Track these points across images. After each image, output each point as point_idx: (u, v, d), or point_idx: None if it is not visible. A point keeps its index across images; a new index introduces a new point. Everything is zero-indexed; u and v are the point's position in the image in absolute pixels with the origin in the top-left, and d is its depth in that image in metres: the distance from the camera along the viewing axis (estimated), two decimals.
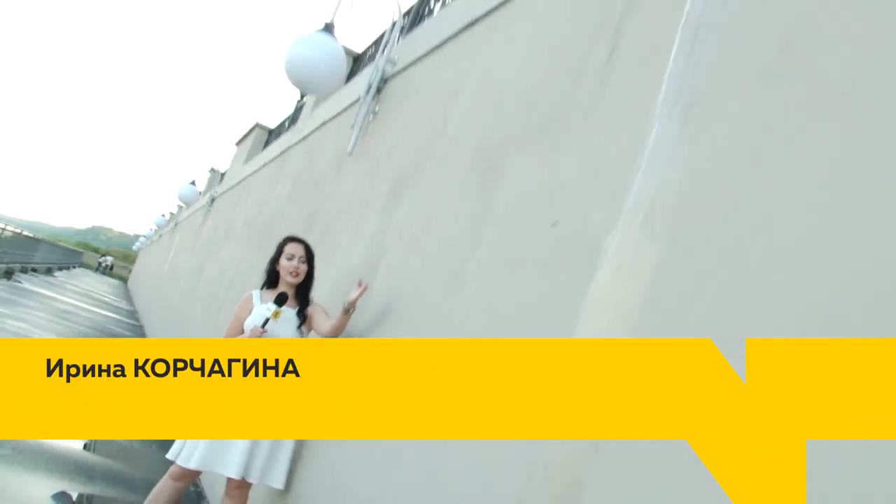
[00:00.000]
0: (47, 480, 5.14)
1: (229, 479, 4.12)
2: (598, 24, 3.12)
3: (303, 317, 4.25)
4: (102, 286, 42.66)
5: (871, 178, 1.64)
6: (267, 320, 4.07)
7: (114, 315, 23.40)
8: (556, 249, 2.68)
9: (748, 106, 2.11)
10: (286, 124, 12.31)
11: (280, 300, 4.12)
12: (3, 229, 29.03)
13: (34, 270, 32.14)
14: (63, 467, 5.54)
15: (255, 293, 4.39)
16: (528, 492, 2.22)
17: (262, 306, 4.21)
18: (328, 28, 5.80)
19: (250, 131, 16.38)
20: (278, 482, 4.11)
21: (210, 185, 22.14)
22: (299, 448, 4.28)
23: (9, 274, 24.15)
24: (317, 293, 4.49)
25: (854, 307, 1.55)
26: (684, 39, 2.50)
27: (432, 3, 6.61)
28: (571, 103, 3.02)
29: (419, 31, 5.88)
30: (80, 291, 30.22)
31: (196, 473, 4.15)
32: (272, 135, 14.14)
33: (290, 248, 4.36)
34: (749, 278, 1.84)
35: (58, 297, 23.06)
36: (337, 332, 4.10)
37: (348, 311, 3.98)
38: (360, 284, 3.93)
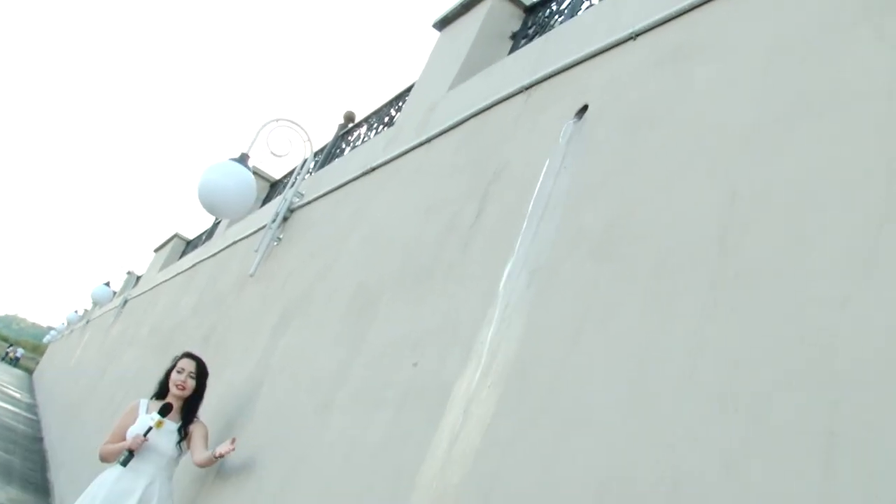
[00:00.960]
0: None
1: None
2: (471, 187, 3.32)
3: (183, 433, 4.16)
4: (6, 376, 40.33)
5: (666, 346, 1.81)
6: (149, 429, 3.99)
7: (12, 408, 22.08)
8: (413, 387, 2.77)
9: (578, 274, 2.29)
10: (203, 238, 12.26)
11: (164, 410, 4.06)
12: None
13: None
14: None
15: (143, 402, 4.30)
16: None
17: (147, 416, 4.12)
18: (242, 158, 5.92)
19: (169, 240, 16.20)
20: None
21: (125, 287, 21.59)
22: None
23: None
24: (204, 405, 4.43)
25: (637, 470, 1.68)
26: (535, 211, 2.70)
27: (343, 144, 6.85)
28: (440, 258, 3.18)
29: (328, 170, 6.07)
30: None
31: None
32: (189, 246, 14.04)
33: (182, 363, 4.31)
34: (567, 426, 1.96)
35: None
36: (205, 466, 4.02)
37: (217, 457, 3.85)
38: (232, 442, 3.78)
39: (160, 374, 4.50)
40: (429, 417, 2.56)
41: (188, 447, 4.20)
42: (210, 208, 5.70)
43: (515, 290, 2.53)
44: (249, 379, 4.62)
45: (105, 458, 4.13)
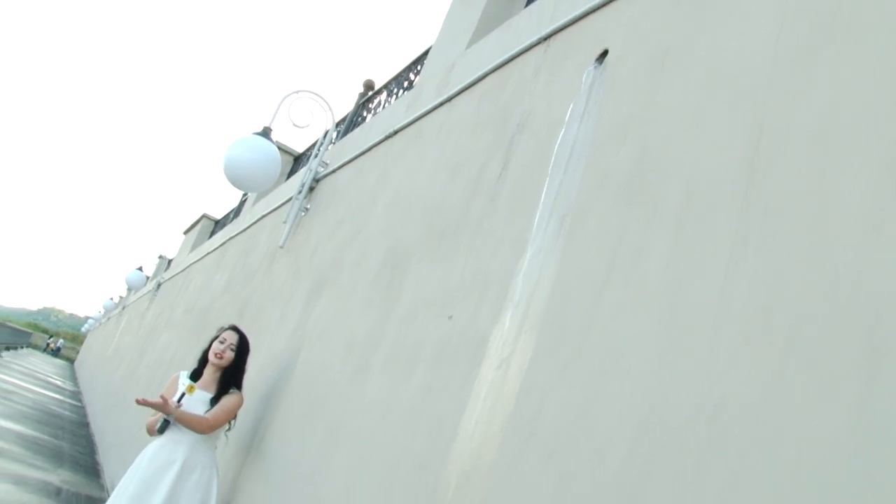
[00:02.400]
0: None
1: None
2: (495, 141, 3.32)
3: (214, 403, 4.21)
4: (49, 367, 41.26)
5: (698, 280, 1.80)
6: (182, 395, 4.07)
7: (57, 395, 22.63)
8: (449, 342, 2.79)
9: (607, 217, 2.28)
10: (231, 216, 12.36)
11: (193, 375, 4.15)
12: None
13: None
14: None
15: (183, 374, 4.38)
16: None
17: (181, 384, 4.20)
18: (265, 132, 5.95)
19: (197, 221, 16.36)
20: None
21: (158, 272, 21.87)
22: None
23: None
24: (245, 377, 4.49)
25: (658, 423, 1.69)
26: (560, 159, 2.70)
27: (365, 112, 6.85)
28: (468, 214, 3.18)
29: (350, 137, 6.07)
30: (26, 372, 29.17)
31: None
32: (217, 225, 14.16)
33: (225, 335, 4.39)
34: (604, 365, 1.97)
35: (1, 377, 22.24)
36: (206, 425, 4.08)
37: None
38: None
39: (198, 353, 4.57)
40: (466, 369, 2.58)
41: None
42: (236, 182, 5.75)
43: (545, 238, 2.53)
44: (286, 348, 4.68)
45: (150, 430, 4.23)
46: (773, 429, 1.46)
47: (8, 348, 43.77)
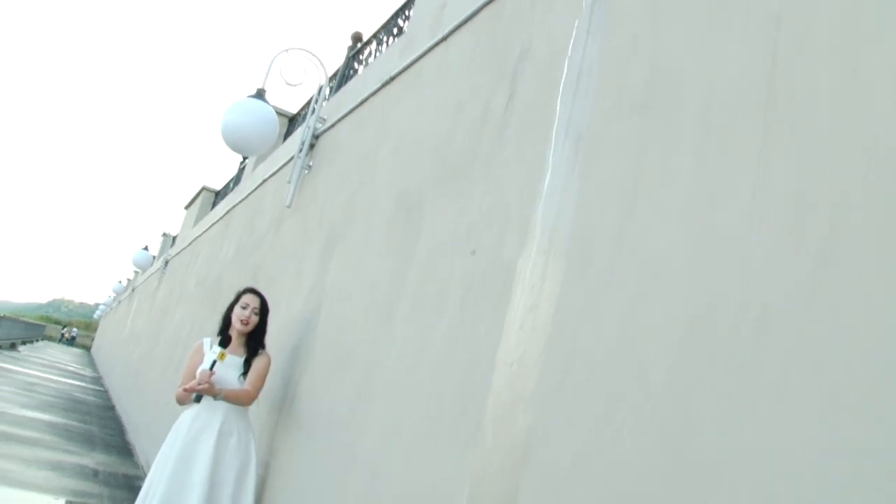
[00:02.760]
0: None
1: None
2: (497, 73, 3.26)
3: (248, 366, 4.26)
4: (66, 356, 41.56)
5: (727, 190, 1.77)
6: (214, 363, 4.08)
7: (79, 383, 22.84)
8: (475, 277, 2.77)
9: (625, 134, 2.24)
10: (231, 185, 12.29)
11: (223, 342, 4.15)
12: None
13: None
14: None
15: (206, 340, 4.39)
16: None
17: (210, 352, 4.21)
18: (259, 93, 5.89)
19: (198, 195, 16.29)
20: None
21: (163, 250, 21.87)
22: (262, 489, 4.28)
23: None
24: (266, 339, 4.50)
25: (705, 327, 1.67)
26: (569, 82, 2.64)
27: (356, 64, 6.74)
28: (478, 148, 3.13)
29: (344, 92, 5.99)
30: (45, 363, 29.39)
31: None
32: (218, 196, 14.09)
33: (246, 299, 4.38)
34: (639, 282, 1.95)
35: (23, 370, 22.40)
36: (250, 396, 4.17)
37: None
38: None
39: (215, 323, 4.57)
40: (496, 303, 2.57)
41: None
42: (235, 147, 5.71)
43: (562, 163, 2.49)
44: (305, 307, 4.67)
45: (180, 400, 4.24)
46: (819, 329, 1.44)
47: (24, 342, 44.08)
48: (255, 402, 4.32)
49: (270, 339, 4.51)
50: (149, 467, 9.12)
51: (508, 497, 2.10)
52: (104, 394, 20.55)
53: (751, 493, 1.45)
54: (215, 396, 4.03)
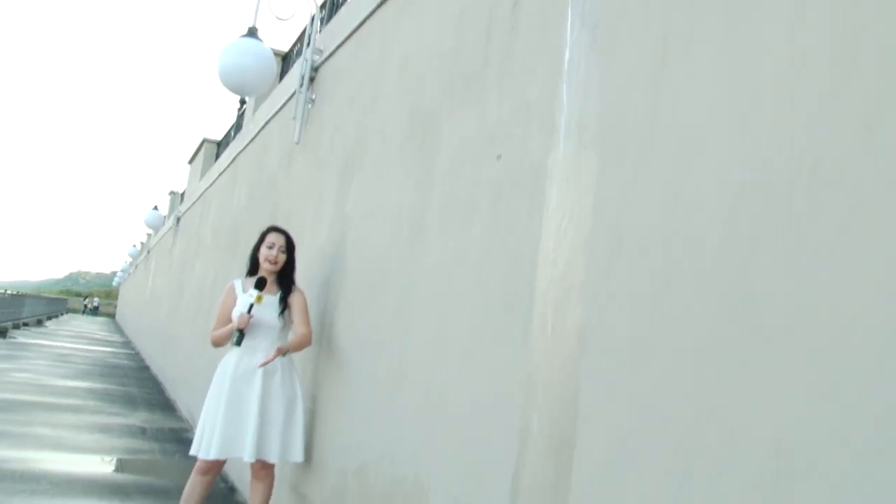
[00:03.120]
0: None
1: (252, 463, 4.18)
2: None
3: (284, 304, 4.29)
4: (92, 326, 42.14)
5: (761, 51, 1.72)
6: (251, 306, 4.11)
7: (109, 349, 23.20)
8: (504, 181, 2.74)
9: (647, 13, 2.17)
10: (232, 133, 12.19)
11: (259, 284, 4.16)
12: None
13: (25, 325, 31.61)
14: (99, 491, 5.55)
15: (237, 282, 4.40)
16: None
17: (245, 295, 4.23)
18: (252, 32, 5.78)
19: (199, 147, 16.19)
20: (297, 456, 4.18)
21: (172, 207, 21.89)
22: (311, 421, 4.35)
23: (3, 332, 23.91)
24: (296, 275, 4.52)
25: (755, 193, 1.63)
26: None
27: None
28: (490, 52, 3.06)
29: (337, 19, 5.86)
30: (73, 334, 29.85)
31: (219, 464, 4.19)
32: (221, 146, 14.00)
33: (271, 238, 4.37)
34: (679, 157, 1.91)
35: (53, 343, 22.78)
36: (296, 348, 4.24)
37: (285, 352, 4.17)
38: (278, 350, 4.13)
39: (237, 270, 4.58)
40: (529, 204, 2.54)
41: (290, 318, 4.32)
42: (235, 89, 5.65)
43: (580, 47, 2.43)
44: (329, 238, 4.67)
45: (217, 343, 4.28)
46: (876, 180, 1.40)
47: (49, 318, 44.65)
48: (294, 335, 4.37)
49: (298, 274, 4.52)
50: (192, 420, 9.33)
51: (570, 386, 2.12)
52: (136, 356, 20.88)
53: (810, 358, 1.44)
54: (284, 354, 4.12)
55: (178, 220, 16.47)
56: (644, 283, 1.95)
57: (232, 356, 4.18)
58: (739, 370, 1.61)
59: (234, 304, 4.26)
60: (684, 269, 1.83)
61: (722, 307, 1.69)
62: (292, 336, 4.27)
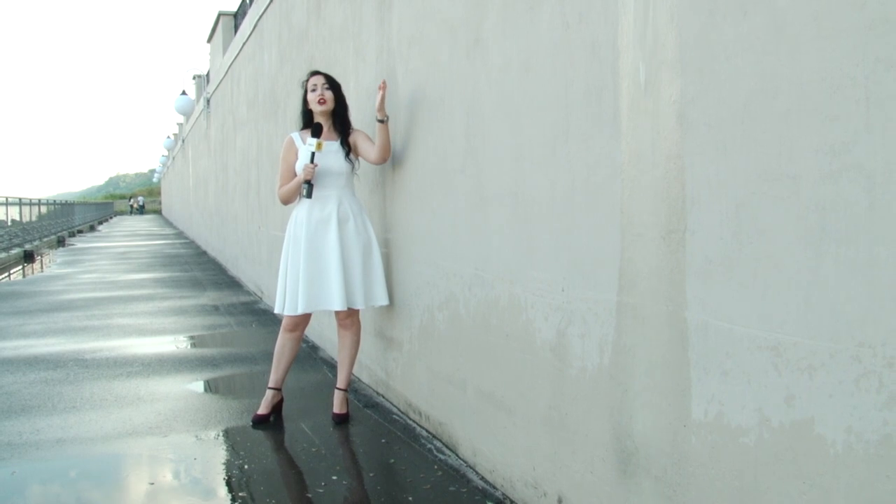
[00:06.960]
0: (181, 378, 5.32)
1: (338, 313, 4.21)
2: None
3: (347, 146, 4.19)
4: (142, 223, 43.04)
5: None
6: (313, 155, 4.03)
7: (164, 241, 23.73)
8: None
9: None
10: (248, 1, 11.81)
11: (316, 131, 4.06)
12: (41, 205, 29.17)
13: (79, 232, 32.61)
14: (190, 366, 5.73)
15: (295, 135, 4.29)
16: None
17: (305, 146, 4.14)
18: None
19: (216, 22, 15.78)
20: (381, 300, 4.20)
21: (200, 91, 21.69)
22: (387, 265, 4.33)
23: (61, 241, 24.86)
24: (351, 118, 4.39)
25: (823, 84, 1.42)
26: None
27: None
28: None
29: None
30: (126, 234, 30.54)
31: (306, 319, 4.23)
32: (238, 17, 13.62)
33: (312, 81, 4.25)
34: None
35: (110, 244, 23.34)
36: (384, 150, 4.10)
37: (382, 120, 4.00)
38: (380, 87, 4.01)
39: (281, 136, 4.45)
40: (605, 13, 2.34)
41: (357, 157, 4.23)
42: None
43: None
44: (377, 77, 4.50)
45: (286, 200, 4.23)
46: None
47: (100, 222, 45.70)
48: (357, 184, 4.29)
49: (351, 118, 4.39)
50: (260, 291, 9.50)
51: (673, 167, 1.99)
52: (191, 244, 21.34)
53: None
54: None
55: (208, 101, 16.30)
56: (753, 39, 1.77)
57: (301, 212, 4.13)
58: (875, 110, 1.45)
59: (296, 158, 4.17)
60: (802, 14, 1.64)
61: (838, 50, 1.52)
62: (344, 168, 4.20)
